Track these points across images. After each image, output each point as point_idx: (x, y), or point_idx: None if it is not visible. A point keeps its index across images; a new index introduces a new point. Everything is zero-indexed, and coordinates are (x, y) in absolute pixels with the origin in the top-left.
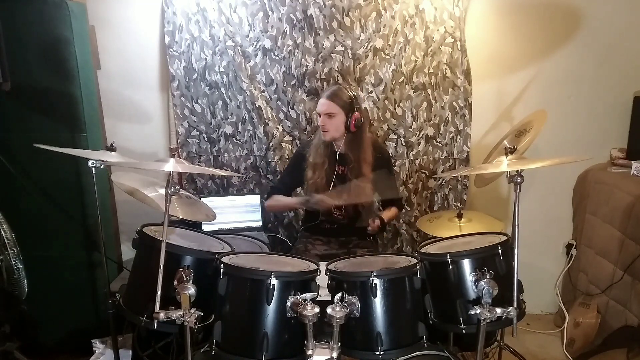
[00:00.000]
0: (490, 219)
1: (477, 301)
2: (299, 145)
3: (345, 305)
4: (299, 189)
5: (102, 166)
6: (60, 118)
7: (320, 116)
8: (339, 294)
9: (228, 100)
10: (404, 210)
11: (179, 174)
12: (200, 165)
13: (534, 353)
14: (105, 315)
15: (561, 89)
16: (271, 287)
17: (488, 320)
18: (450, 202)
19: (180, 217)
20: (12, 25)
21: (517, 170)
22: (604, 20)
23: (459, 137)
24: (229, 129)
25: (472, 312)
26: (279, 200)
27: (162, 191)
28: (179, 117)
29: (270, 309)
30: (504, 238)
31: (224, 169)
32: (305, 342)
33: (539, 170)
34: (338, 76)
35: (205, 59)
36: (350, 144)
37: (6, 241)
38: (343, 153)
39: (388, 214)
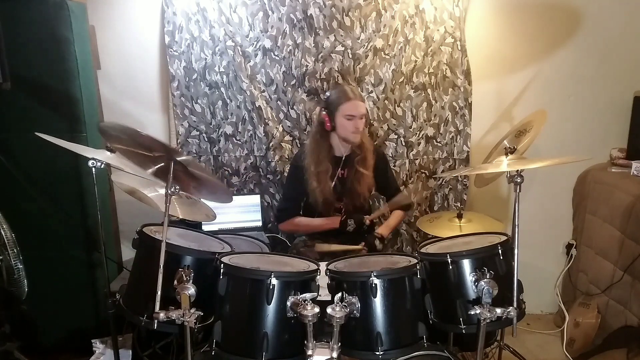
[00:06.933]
0: (490, 220)
1: (477, 301)
2: (299, 146)
3: (345, 305)
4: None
5: (102, 166)
6: (60, 118)
7: (351, 119)
8: (339, 294)
9: (228, 100)
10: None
11: None
12: None
13: (534, 353)
14: (105, 315)
15: (561, 89)
16: (271, 287)
17: (488, 320)
18: (450, 202)
19: (180, 217)
20: (12, 25)
21: (517, 170)
22: (604, 20)
23: (459, 137)
24: (229, 129)
25: (472, 312)
26: (307, 223)
27: (162, 191)
28: (179, 117)
29: (270, 309)
30: (504, 238)
31: (224, 169)
32: (305, 342)
33: (539, 170)
34: (338, 76)
35: (205, 59)
36: (359, 146)
37: (6, 241)
38: (349, 154)
39: (392, 222)
